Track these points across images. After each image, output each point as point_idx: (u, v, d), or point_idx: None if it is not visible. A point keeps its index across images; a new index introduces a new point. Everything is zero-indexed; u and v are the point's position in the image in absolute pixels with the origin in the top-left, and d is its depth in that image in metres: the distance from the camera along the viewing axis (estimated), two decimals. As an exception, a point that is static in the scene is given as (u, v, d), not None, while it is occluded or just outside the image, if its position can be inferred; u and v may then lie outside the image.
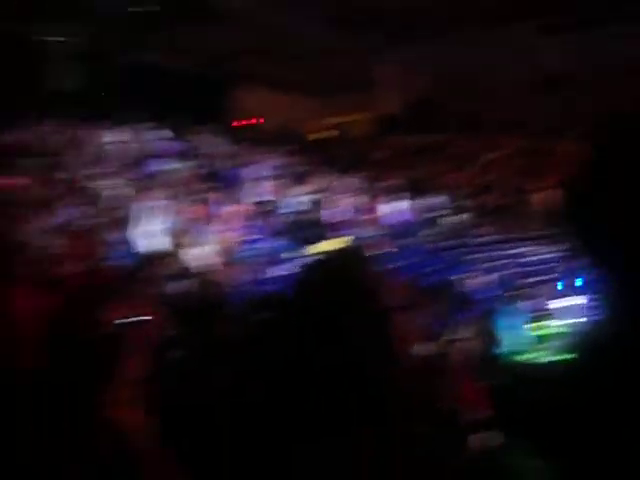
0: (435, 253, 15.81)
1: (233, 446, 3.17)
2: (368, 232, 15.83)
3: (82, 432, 3.24)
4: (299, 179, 17.29)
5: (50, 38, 17.71)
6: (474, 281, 11.47)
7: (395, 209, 17.05)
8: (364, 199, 17.06)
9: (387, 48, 25.06)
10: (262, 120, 26.76)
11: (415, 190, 19.36)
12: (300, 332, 1.38)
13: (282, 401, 1.36)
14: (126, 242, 10.27)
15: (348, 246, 11.36)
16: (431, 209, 18.45)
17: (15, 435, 3.64)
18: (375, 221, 16.49)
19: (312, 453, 1.30)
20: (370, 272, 1.40)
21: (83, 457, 3.24)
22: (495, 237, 18.08)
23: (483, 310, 9.32)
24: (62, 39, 17.92)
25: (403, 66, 26.93)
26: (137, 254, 9.51)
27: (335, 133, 29.81)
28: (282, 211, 14.74)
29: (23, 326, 4.60)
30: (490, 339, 9.19)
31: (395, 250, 15.17)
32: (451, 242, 17.49)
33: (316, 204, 15.29)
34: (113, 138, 15.23)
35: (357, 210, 16.19)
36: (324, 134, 30.08)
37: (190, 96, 20.24)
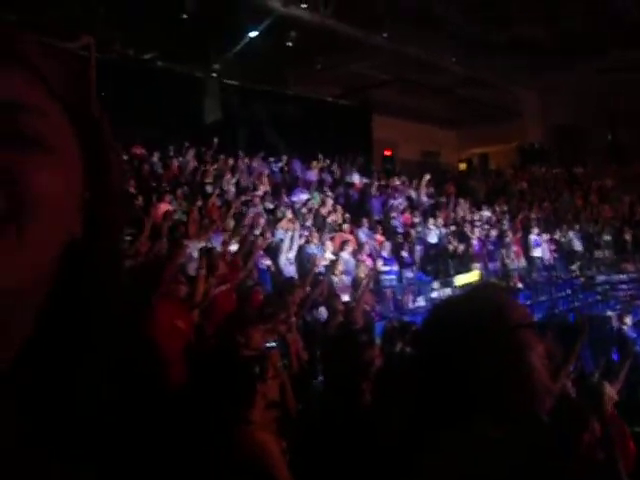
0: (581, 289, 15.22)
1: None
2: (508, 265, 15.46)
3: (222, 450, 3.31)
4: (438, 210, 17.14)
5: (204, 74, 18.64)
6: (625, 320, 10.92)
7: (537, 242, 16.55)
8: (504, 231, 16.68)
9: (529, 76, 24.52)
10: (401, 151, 26.77)
11: (559, 223, 18.74)
12: (430, 365, 1.35)
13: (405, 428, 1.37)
14: (273, 268, 10.53)
15: (484, 282, 11.16)
16: (575, 243, 17.79)
17: (157, 448, 3.78)
18: (516, 254, 16.07)
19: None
20: (505, 307, 1.33)
21: (223, 473, 3.32)
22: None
23: (637, 350, 8.82)
24: (216, 74, 18.82)
25: (546, 94, 26.26)
26: (283, 280, 9.71)
27: (475, 164, 29.40)
28: (420, 242, 14.64)
29: (174, 344, 4.79)
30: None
31: (536, 285, 14.74)
32: (599, 278, 16.78)
33: (454, 235, 15.10)
34: (263, 168, 15.71)
35: (497, 242, 15.85)
36: (464, 165, 29.73)
37: (332, 126, 20.55)
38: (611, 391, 5.28)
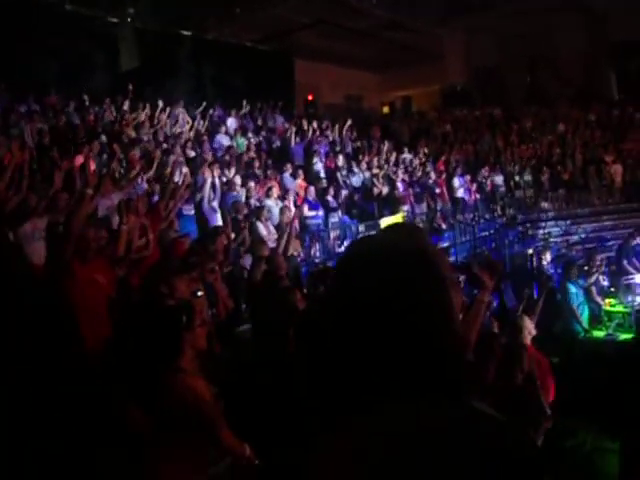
0: (503, 228, 15.63)
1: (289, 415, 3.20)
2: (432, 207, 15.73)
3: (153, 396, 3.32)
4: (361, 154, 17.20)
5: (118, 20, 17.98)
6: (544, 257, 11.29)
7: (460, 184, 16.85)
8: (428, 173, 16.90)
9: (450, 19, 24.64)
10: (324, 95, 26.66)
11: (481, 164, 19.10)
12: (344, 307, 1.20)
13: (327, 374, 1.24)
14: (195, 216, 10.43)
15: (400, 222, 11.30)
16: (498, 183, 18.21)
17: (92, 394, 3.77)
18: (439, 196, 16.34)
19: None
20: (422, 247, 1.18)
21: (155, 420, 3.33)
22: (566, 211, 17.75)
23: (552, 286, 9.14)
24: (129, 20, 18.16)
25: (468, 36, 26.46)
26: (206, 228, 9.63)
27: (398, 107, 29.55)
28: (344, 186, 14.70)
29: (101, 298, 4.71)
30: (558, 315, 9.05)
31: (460, 225, 15.05)
32: (520, 217, 17.26)
33: (378, 179, 15.20)
34: (182, 116, 15.41)
35: (420, 185, 16.05)
36: (387, 108, 29.84)
37: (253, 72, 20.25)
38: (530, 325, 5.49)
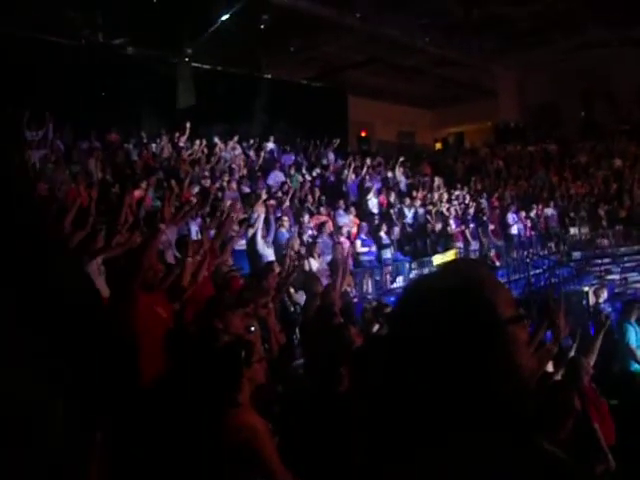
0: (558, 265, 15.37)
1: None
2: (485, 244, 15.58)
3: (213, 431, 3.35)
4: (414, 190, 17.21)
5: (177, 60, 18.49)
6: (600, 295, 11.06)
7: (514, 220, 16.69)
8: (481, 210, 16.79)
9: (503, 55, 24.60)
10: (377, 132, 26.80)
11: (535, 200, 18.89)
12: (399, 348, 1.17)
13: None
14: (247, 251, 10.53)
15: (457, 260, 11.20)
16: (552, 220, 17.96)
17: (150, 434, 3.81)
18: (494, 233, 16.19)
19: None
20: (477, 285, 1.12)
21: (213, 455, 3.36)
22: (624, 248, 17.37)
23: (610, 325, 8.92)
24: (187, 60, 18.64)
25: (521, 72, 26.38)
26: (258, 263, 9.72)
27: (451, 143, 29.52)
28: (397, 222, 14.70)
29: (155, 332, 4.78)
30: (616, 356, 8.81)
31: (514, 262, 14.87)
32: (575, 254, 16.97)
33: (431, 215, 15.18)
34: (238, 152, 15.69)
35: (474, 222, 15.94)
36: (440, 144, 29.83)
37: (307, 109, 20.51)
38: (587, 365, 5.38)
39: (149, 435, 3.82)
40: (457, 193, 17.89)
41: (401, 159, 19.01)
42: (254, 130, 17.66)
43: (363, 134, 25.98)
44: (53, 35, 15.79)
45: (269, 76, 21.81)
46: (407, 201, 15.97)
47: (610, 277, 14.92)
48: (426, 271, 12.63)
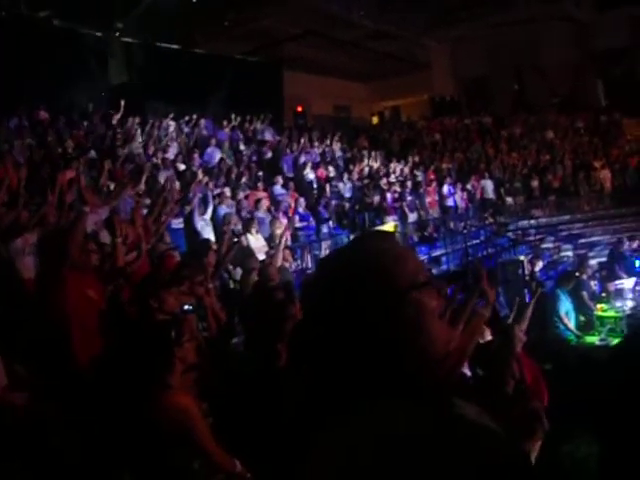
0: (494, 236, 15.68)
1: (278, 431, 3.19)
2: (423, 216, 15.75)
3: (143, 413, 3.31)
4: (351, 164, 17.25)
5: (107, 34, 18.02)
6: (536, 264, 11.32)
7: (450, 192, 16.90)
8: (419, 182, 16.94)
9: (437, 29, 24.79)
10: (313, 106, 26.71)
11: (472, 172, 19.17)
12: (312, 321, 1.21)
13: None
14: (184, 230, 10.41)
15: (373, 231, 11.27)
16: (489, 190, 18.27)
17: (80, 414, 3.75)
18: (431, 205, 16.38)
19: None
20: (395, 264, 1.15)
21: (144, 436, 3.32)
22: (556, 218, 17.82)
23: (543, 292, 9.15)
24: (117, 35, 18.21)
25: (455, 46, 26.62)
26: (195, 241, 9.62)
27: (388, 117, 29.67)
28: (335, 196, 14.72)
29: (93, 313, 4.69)
30: (550, 321, 9.05)
31: (451, 234, 15.09)
32: (510, 224, 17.32)
33: (369, 189, 15.24)
34: (173, 127, 15.45)
35: (411, 194, 16.08)
36: (376, 118, 29.95)
37: (242, 84, 20.28)
38: (520, 332, 5.48)
39: (84, 418, 3.76)
40: (394, 166, 18.00)
41: (338, 133, 19.02)
42: (188, 106, 17.37)
43: (299, 109, 25.88)
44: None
45: (203, 51, 21.50)
46: (344, 175, 16.01)
47: (544, 246, 15.28)
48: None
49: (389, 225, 13.68)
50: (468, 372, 4.27)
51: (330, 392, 1.20)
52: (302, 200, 13.11)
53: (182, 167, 13.08)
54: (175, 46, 20.36)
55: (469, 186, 17.99)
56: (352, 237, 13.06)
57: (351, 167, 16.76)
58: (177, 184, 11.12)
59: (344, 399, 1.17)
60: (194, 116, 16.66)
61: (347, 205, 14.82)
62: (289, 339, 3.88)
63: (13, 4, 15.77)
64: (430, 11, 22.93)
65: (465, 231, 14.83)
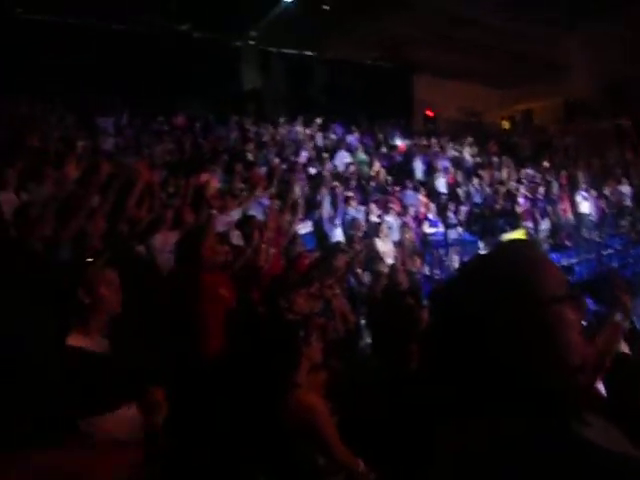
0: (631, 245, 14.90)
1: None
2: (554, 223, 15.20)
3: (270, 410, 3.38)
4: (481, 169, 16.94)
5: (241, 42, 18.64)
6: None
7: (584, 198, 16.24)
8: (551, 189, 16.39)
9: (573, 30, 23.87)
10: (443, 111, 26.43)
11: (606, 178, 18.33)
12: (447, 326, 1.19)
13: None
14: (314, 233, 10.56)
15: (516, 240, 10.91)
16: (626, 197, 17.39)
17: (209, 411, 3.87)
18: (564, 212, 15.81)
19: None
20: (536, 274, 1.11)
21: (271, 433, 3.38)
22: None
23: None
24: (251, 43, 18.80)
25: (592, 47, 25.57)
26: (325, 244, 9.73)
27: (519, 121, 28.88)
28: (465, 202, 14.51)
29: (218, 312, 4.84)
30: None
31: (585, 242, 14.48)
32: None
33: (499, 195, 14.92)
34: (304, 132, 15.77)
35: (544, 200, 15.58)
36: (508, 123, 29.22)
37: (372, 89, 20.40)
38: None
39: (211, 415, 3.87)
40: (526, 172, 17.51)
41: (469, 138, 18.73)
42: (319, 111, 17.63)
43: (429, 113, 25.67)
44: (122, 24, 16.13)
45: (333, 57, 21.75)
46: (475, 180, 15.75)
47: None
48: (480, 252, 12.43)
49: (519, 232, 13.32)
50: (602, 387, 4.07)
51: (458, 400, 1.19)
52: (432, 205, 13.02)
53: (313, 171, 13.28)
54: (307, 52, 20.70)
55: (605, 192, 17.19)
56: (482, 243, 12.84)
57: (481, 172, 16.44)
58: (307, 186, 11.34)
59: (472, 408, 1.15)
60: (323, 121, 16.89)
61: (477, 211, 14.55)
62: (419, 344, 3.85)
63: (159, 20, 16.66)
64: (567, 10, 22.08)
65: (599, 239, 14.20)
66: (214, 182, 9.29)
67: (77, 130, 11.79)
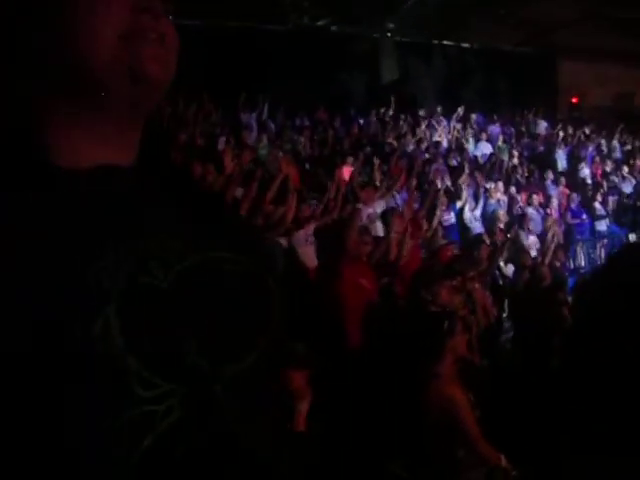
0: None
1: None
2: None
3: (412, 400, 3.42)
4: (632, 157, 16.13)
5: (379, 34, 18.71)
6: None
7: None
8: None
9: None
10: (588, 96, 25.26)
11: None
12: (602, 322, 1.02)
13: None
14: (457, 225, 10.49)
15: None
16: None
17: (351, 401, 3.96)
18: None
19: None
20: None
21: (412, 423, 3.43)
22: None
23: None
24: (389, 35, 18.80)
25: None
26: (470, 236, 9.66)
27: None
28: (614, 192, 13.89)
29: (358, 302, 4.94)
30: None
31: None
32: None
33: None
34: (444, 123, 15.68)
35: None
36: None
37: (514, 76, 19.85)
38: None
39: (352, 405, 3.96)
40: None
41: (618, 125, 17.85)
42: (459, 101, 17.39)
43: (574, 100, 24.64)
44: (263, 22, 16.62)
45: (470, 45, 21.34)
46: (624, 169, 15.02)
47: None
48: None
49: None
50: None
51: (596, 401, 1.11)
52: (575, 196, 12.57)
53: (453, 162, 13.16)
54: (444, 42, 20.43)
55: None
56: (632, 236, 12.25)
57: (632, 161, 15.65)
58: (448, 179, 11.27)
59: (610, 411, 1.07)
60: (464, 111, 16.67)
61: (626, 202, 13.87)
62: (565, 338, 3.78)
63: (298, 17, 17.06)
64: None
65: None
66: (355, 175, 9.44)
67: (222, 126, 12.27)
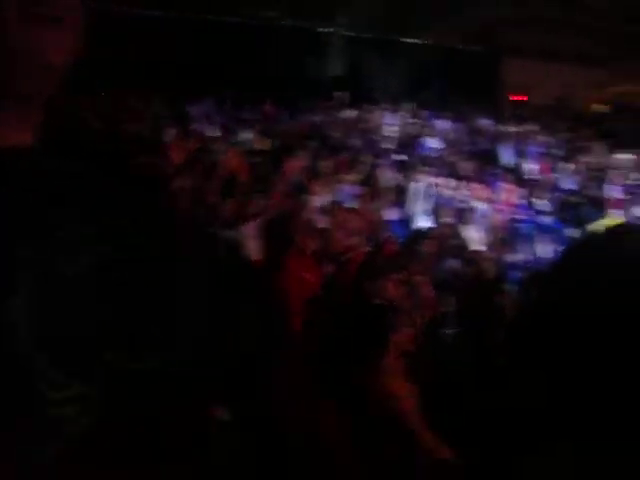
0: None
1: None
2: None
3: (352, 394, 3.40)
4: (574, 155, 16.48)
5: (328, 29, 18.76)
6: None
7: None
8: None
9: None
10: (533, 94, 25.74)
11: None
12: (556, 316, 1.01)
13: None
14: (401, 219, 10.55)
15: (625, 224, 10.52)
16: None
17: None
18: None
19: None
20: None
21: (357, 418, 3.41)
22: None
23: None
24: (340, 28, 18.87)
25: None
26: (412, 231, 9.71)
27: (615, 104, 27.81)
28: (554, 189, 14.16)
29: (300, 295, 4.92)
30: None
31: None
32: None
33: (592, 181, 14.47)
34: (389, 119, 15.78)
35: (639, 187, 15.00)
36: (602, 107, 28.17)
37: (459, 73, 20.11)
38: None
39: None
40: (622, 157, 16.88)
41: (560, 123, 18.24)
42: (405, 97, 17.56)
43: (518, 98, 25.11)
44: (214, 14, 16.53)
45: (418, 41, 21.54)
46: (567, 166, 15.35)
47: None
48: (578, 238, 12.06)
49: (616, 220, 12.88)
50: None
51: (558, 403, 1.08)
52: (520, 191, 12.78)
53: (400, 157, 13.25)
54: (391, 38, 20.57)
55: None
56: (570, 231, 12.50)
57: (575, 158, 16.00)
58: (394, 174, 11.31)
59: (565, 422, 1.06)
60: (411, 107, 16.80)
61: (569, 198, 14.16)
62: (510, 335, 3.80)
63: (249, 9, 17.03)
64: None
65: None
66: (302, 168, 9.41)
67: (169, 118, 12.12)
